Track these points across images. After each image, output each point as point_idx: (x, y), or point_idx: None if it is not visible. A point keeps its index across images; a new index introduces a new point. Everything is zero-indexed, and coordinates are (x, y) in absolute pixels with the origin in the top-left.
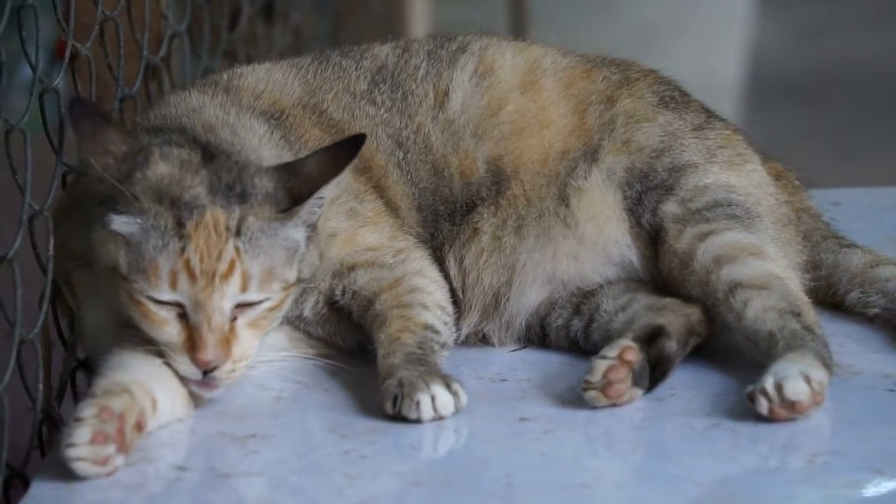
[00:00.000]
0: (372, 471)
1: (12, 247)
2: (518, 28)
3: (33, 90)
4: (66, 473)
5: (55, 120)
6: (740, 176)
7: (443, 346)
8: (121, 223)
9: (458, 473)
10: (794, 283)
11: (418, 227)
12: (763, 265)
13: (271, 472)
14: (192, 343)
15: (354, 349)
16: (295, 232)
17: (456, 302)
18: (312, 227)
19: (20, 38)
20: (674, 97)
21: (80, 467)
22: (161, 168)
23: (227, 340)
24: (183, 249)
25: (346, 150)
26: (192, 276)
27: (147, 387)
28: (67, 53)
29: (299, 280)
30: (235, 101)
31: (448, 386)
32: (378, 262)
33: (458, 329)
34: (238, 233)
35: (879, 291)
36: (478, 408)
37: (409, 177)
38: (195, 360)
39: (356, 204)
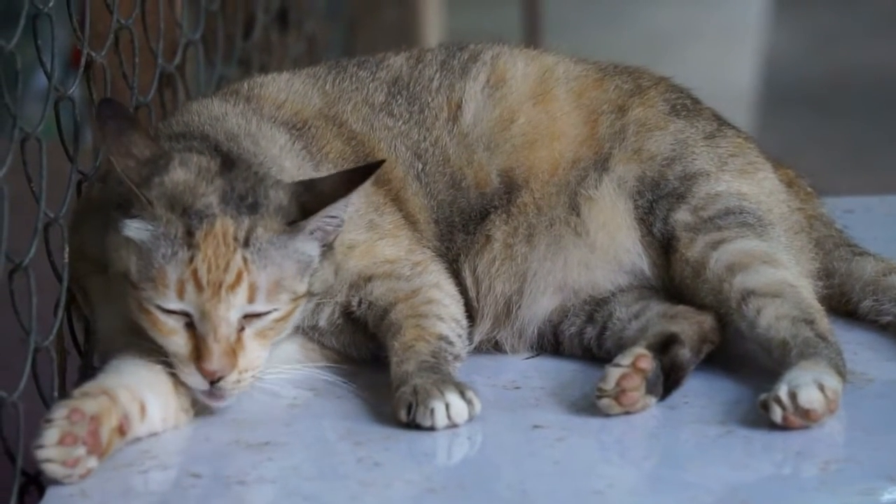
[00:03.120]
0: (386, 478)
1: (27, 254)
2: (532, 35)
3: (48, 98)
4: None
5: (70, 128)
6: (752, 184)
7: (456, 357)
8: (133, 229)
9: (472, 481)
10: (807, 291)
11: (436, 240)
12: (776, 273)
13: (285, 480)
14: (199, 353)
15: (368, 360)
16: (306, 245)
17: (472, 315)
18: (329, 246)
19: (35, 47)
20: (685, 105)
21: (50, 469)
22: (178, 174)
23: (233, 351)
24: (191, 259)
25: (361, 173)
26: (198, 286)
27: (137, 392)
28: (83, 61)
29: (310, 293)
30: (257, 111)
31: (462, 394)
32: (395, 273)
33: (471, 338)
34: (246, 243)
35: (892, 299)
36: (491, 415)
37: (427, 189)
38: (201, 370)
39: (376, 216)
